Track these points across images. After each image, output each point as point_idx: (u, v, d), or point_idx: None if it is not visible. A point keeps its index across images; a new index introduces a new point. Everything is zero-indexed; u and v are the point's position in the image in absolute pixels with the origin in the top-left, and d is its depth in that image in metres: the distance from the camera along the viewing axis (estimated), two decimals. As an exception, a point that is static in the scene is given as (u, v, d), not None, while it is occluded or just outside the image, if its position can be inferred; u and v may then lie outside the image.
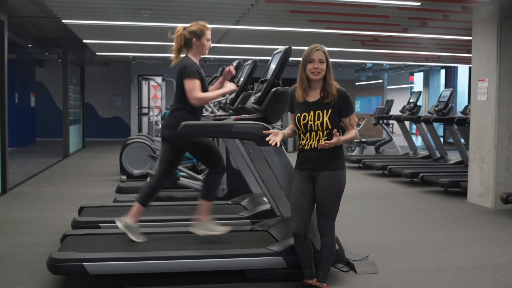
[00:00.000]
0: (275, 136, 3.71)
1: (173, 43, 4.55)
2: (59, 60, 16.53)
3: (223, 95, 4.61)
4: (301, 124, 3.68)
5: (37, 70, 19.05)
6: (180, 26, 4.54)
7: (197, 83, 4.34)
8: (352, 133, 3.70)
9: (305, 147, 3.71)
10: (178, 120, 4.25)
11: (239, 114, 4.86)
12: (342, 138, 3.61)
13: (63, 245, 4.26)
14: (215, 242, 4.40)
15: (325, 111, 3.63)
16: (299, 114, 3.69)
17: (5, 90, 8.12)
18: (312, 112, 3.65)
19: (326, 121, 3.62)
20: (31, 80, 18.01)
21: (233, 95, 5.49)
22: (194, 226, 4.49)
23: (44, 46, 16.35)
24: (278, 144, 3.69)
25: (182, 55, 4.55)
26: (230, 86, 4.59)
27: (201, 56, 4.58)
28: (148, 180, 4.99)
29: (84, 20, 9.54)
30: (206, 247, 4.25)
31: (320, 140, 3.63)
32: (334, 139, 3.54)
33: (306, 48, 3.75)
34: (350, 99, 3.71)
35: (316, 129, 3.63)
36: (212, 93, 4.54)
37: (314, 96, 3.71)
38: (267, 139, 3.71)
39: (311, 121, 3.64)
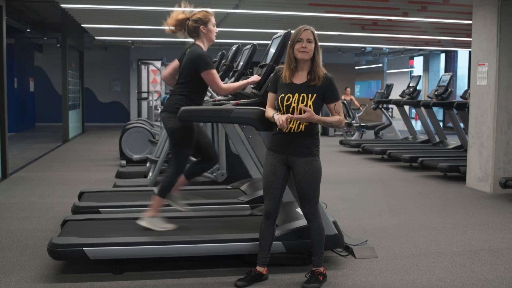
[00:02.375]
0: (282, 120, 3.60)
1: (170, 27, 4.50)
2: (58, 45, 16.46)
3: (247, 85, 4.56)
4: (284, 105, 3.66)
5: (36, 55, 18.98)
6: (178, 10, 4.48)
7: (215, 73, 4.32)
8: (335, 117, 3.69)
9: (284, 129, 3.65)
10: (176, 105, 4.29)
11: (238, 99, 4.85)
12: (322, 118, 3.61)
13: (64, 230, 4.28)
14: (214, 227, 4.43)
15: (310, 94, 3.63)
16: (283, 95, 3.67)
17: (4, 75, 8.11)
18: (297, 94, 3.64)
19: (310, 105, 3.61)
20: (30, 65, 17.97)
21: (232, 79, 5.48)
22: (141, 218, 4.37)
23: (42, 30, 16.27)
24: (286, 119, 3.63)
25: (187, 38, 4.52)
26: (253, 78, 4.51)
27: (210, 43, 4.54)
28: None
29: (83, 4, 9.49)
30: (205, 232, 4.27)
31: (301, 125, 3.63)
32: (306, 114, 3.52)
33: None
34: (335, 86, 3.70)
35: (298, 112, 3.61)
36: (236, 83, 4.51)
37: (300, 78, 3.70)
38: (305, 114, 3.57)
39: (294, 103, 3.63)
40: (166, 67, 4.76)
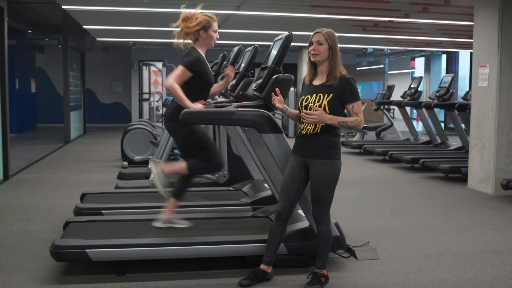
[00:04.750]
0: (278, 102, 3.77)
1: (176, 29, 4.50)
2: (59, 46, 16.49)
3: (186, 107, 4.23)
4: (303, 105, 3.71)
5: (37, 56, 19.01)
6: (191, 12, 4.42)
7: (184, 74, 4.27)
8: (352, 117, 3.67)
9: (302, 131, 3.74)
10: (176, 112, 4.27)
11: (240, 101, 4.86)
12: (335, 117, 3.59)
13: (66, 232, 4.29)
14: (216, 229, 4.43)
15: (326, 94, 3.64)
16: (303, 97, 3.75)
17: (5, 76, 8.12)
18: (314, 95, 3.68)
19: (325, 104, 3.62)
20: (32, 66, 18.00)
21: (233, 81, 5.48)
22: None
23: (44, 31, 16.30)
24: (277, 105, 3.79)
25: (188, 42, 4.51)
26: (196, 106, 4.28)
27: (208, 47, 4.54)
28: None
29: (84, 6, 9.49)
30: (207, 233, 4.28)
31: (317, 127, 3.66)
32: (317, 112, 3.54)
33: (307, 33, 3.76)
34: (353, 86, 3.70)
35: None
36: (182, 96, 4.23)
37: (320, 79, 3.75)
38: (310, 114, 3.60)
39: (311, 103, 3.66)
40: None
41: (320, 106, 3.63)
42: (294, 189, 3.75)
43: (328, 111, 3.62)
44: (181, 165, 4.44)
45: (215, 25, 4.47)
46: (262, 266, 3.87)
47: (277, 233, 3.81)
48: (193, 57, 4.35)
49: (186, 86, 4.33)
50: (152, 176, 4.40)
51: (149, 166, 4.44)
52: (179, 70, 4.30)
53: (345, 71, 3.73)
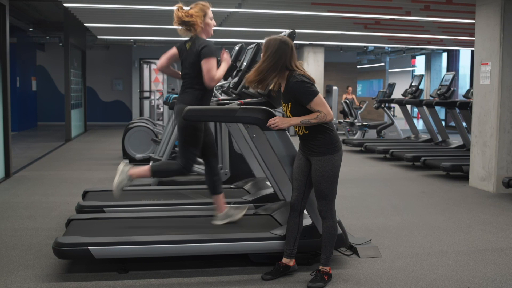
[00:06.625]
0: (281, 123, 3.77)
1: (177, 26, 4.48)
2: (60, 44, 16.49)
3: (227, 67, 4.53)
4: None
5: (38, 54, 19.01)
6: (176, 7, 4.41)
7: (214, 62, 4.29)
8: (313, 114, 3.64)
9: (297, 132, 3.87)
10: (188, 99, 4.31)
11: (242, 98, 4.85)
12: (297, 120, 3.68)
13: (68, 230, 4.29)
14: (218, 227, 4.44)
15: (286, 104, 3.78)
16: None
17: (7, 74, 8.11)
18: (284, 104, 3.84)
19: (289, 115, 3.77)
20: (32, 64, 17.99)
21: (236, 78, 5.48)
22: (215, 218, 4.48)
23: (45, 29, 16.29)
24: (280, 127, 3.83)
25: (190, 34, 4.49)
26: (225, 59, 4.51)
27: (207, 37, 4.52)
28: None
29: (85, 4, 9.49)
30: (210, 231, 4.29)
31: (301, 128, 3.77)
32: (276, 123, 3.76)
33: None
34: (300, 88, 3.63)
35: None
36: (220, 70, 4.41)
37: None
38: (271, 122, 3.78)
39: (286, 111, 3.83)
40: (163, 55, 4.65)
41: (288, 116, 3.78)
42: (303, 179, 3.83)
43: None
44: (144, 168, 4.37)
45: (210, 12, 4.46)
46: (284, 260, 3.94)
47: (294, 225, 3.87)
48: (211, 46, 4.33)
49: (199, 74, 4.33)
50: (118, 170, 4.32)
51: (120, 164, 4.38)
52: (209, 63, 4.27)
53: (299, 69, 3.71)
